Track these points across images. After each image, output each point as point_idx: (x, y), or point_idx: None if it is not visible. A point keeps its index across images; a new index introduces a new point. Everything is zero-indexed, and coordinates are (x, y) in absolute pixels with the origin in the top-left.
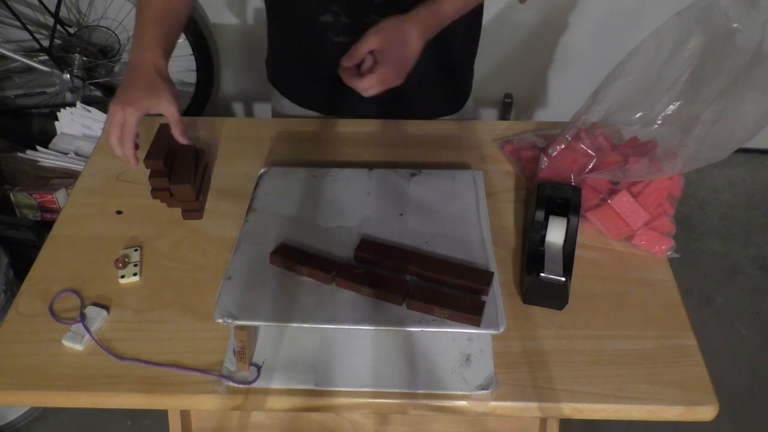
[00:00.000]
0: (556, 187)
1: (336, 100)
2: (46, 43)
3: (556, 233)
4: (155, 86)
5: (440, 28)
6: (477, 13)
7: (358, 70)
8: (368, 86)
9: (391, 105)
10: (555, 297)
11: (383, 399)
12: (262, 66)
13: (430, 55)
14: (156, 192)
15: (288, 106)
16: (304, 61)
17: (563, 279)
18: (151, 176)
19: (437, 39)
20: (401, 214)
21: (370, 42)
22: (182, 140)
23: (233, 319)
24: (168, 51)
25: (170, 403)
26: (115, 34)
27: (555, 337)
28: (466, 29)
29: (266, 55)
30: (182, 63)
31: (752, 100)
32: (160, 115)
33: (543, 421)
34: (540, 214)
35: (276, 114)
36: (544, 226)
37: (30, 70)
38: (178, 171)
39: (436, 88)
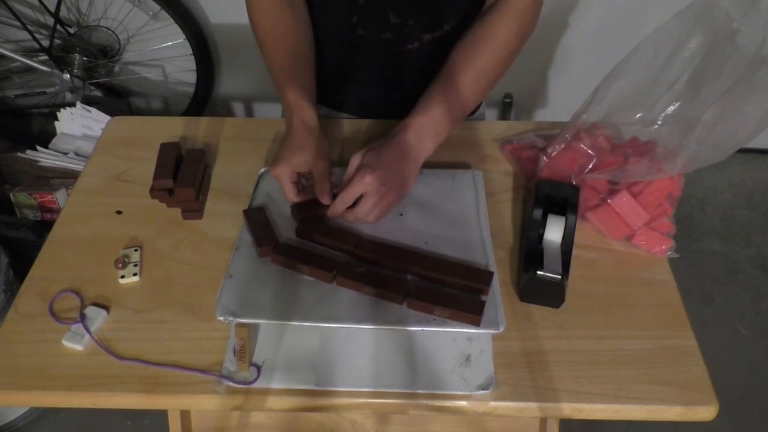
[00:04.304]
0: (554, 186)
1: (343, 95)
2: (46, 43)
3: (554, 231)
4: (303, 143)
5: (447, 128)
6: None
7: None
8: (364, 212)
9: (399, 106)
10: (552, 295)
11: (383, 399)
12: (263, 66)
13: (437, 63)
14: (155, 192)
15: None
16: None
17: (559, 277)
18: (155, 176)
19: (447, 47)
20: (401, 214)
21: (352, 163)
22: (325, 201)
23: (234, 317)
24: (311, 97)
25: (170, 403)
26: (115, 34)
27: (555, 337)
28: None
29: None
30: (182, 63)
31: (754, 101)
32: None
33: (543, 421)
34: (538, 213)
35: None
36: (542, 224)
37: (30, 70)
38: (183, 174)
39: None
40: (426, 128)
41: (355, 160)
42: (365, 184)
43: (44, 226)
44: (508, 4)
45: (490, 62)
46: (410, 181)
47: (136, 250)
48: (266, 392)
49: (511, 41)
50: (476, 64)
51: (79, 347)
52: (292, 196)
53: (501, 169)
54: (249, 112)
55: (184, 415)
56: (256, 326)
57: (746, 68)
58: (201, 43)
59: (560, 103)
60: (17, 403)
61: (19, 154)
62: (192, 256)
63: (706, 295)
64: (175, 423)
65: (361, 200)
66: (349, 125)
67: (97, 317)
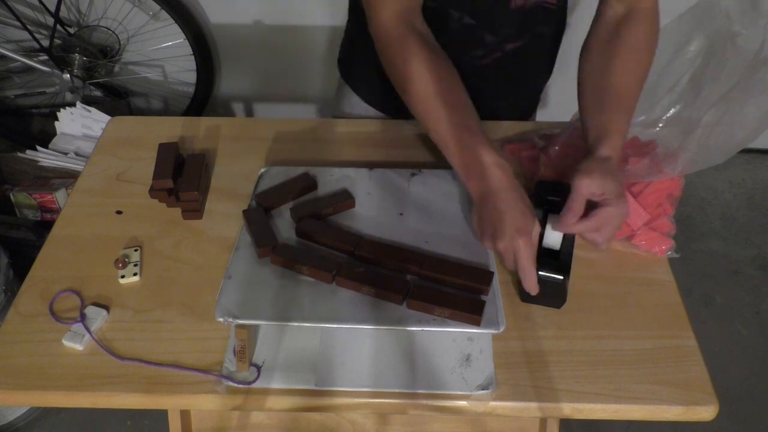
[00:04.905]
0: (554, 186)
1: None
2: (46, 43)
3: (554, 232)
4: (528, 210)
5: (627, 128)
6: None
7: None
8: (607, 238)
9: None
10: (553, 295)
11: (383, 399)
12: (262, 66)
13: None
14: (154, 192)
15: (358, 105)
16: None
17: (561, 277)
18: (155, 176)
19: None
20: (401, 214)
21: (581, 190)
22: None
23: (234, 318)
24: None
25: (170, 403)
26: (115, 34)
27: (555, 337)
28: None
29: (340, 52)
30: (182, 63)
31: (754, 103)
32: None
33: (543, 421)
34: (538, 213)
35: (342, 114)
36: (543, 224)
37: (30, 70)
38: (187, 178)
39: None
40: (622, 147)
41: (589, 186)
42: (623, 214)
43: (44, 226)
44: (638, 11)
45: (643, 70)
46: (623, 186)
47: (136, 250)
48: (266, 392)
49: (653, 45)
50: (634, 73)
51: (79, 347)
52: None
53: None
54: (249, 112)
55: (184, 415)
56: (256, 326)
57: (747, 70)
58: (201, 43)
59: (560, 103)
60: (17, 403)
61: (19, 154)
62: (192, 256)
63: (706, 295)
64: (175, 423)
65: (604, 226)
66: (348, 125)
67: (97, 317)
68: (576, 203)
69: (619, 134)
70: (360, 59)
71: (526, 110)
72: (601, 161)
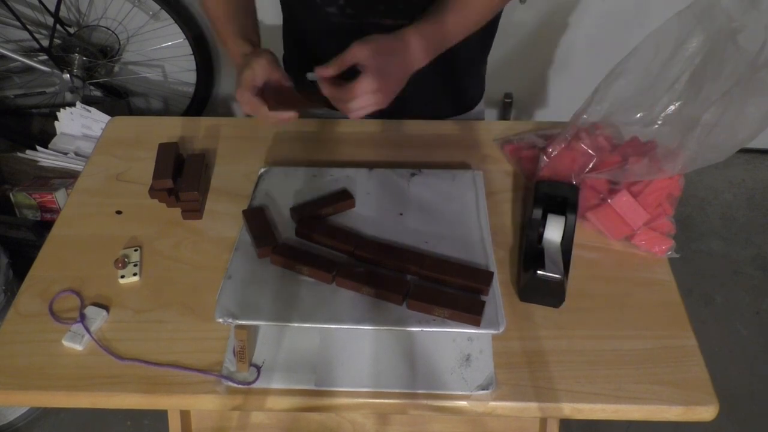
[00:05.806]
0: (553, 185)
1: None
2: (46, 43)
3: (553, 231)
4: (245, 63)
5: (444, 46)
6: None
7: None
8: (352, 96)
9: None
10: (552, 294)
11: (383, 399)
12: None
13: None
14: (154, 192)
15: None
16: (309, 54)
17: (560, 276)
18: (155, 176)
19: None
20: (401, 214)
21: (354, 52)
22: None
23: (233, 319)
24: (254, 43)
25: (170, 403)
26: (115, 34)
27: (555, 337)
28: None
29: (282, 53)
30: (182, 63)
31: (754, 102)
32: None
33: (543, 421)
34: (537, 212)
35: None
36: (542, 224)
37: (30, 70)
38: (187, 178)
39: (438, 89)
40: (430, 36)
41: (359, 54)
42: (375, 90)
43: (44, 226)
44: None
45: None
46: (401, 85)
47: (136, 250)
48: (266, 392)
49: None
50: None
51: (79, 347)
52: (262, 111)
53: (501, 169)
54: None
55: (184, 415)
56: (255, 327)
57: (747, 69)
58: (201, 43)
59: (560, 103)
60: (17, 403)
61: (19, 154)
62: (192, 256)
63: (706, 295)
64: (175, 423)
65: (354, 98)
66: (348, 125)
67: (97, 317)
68: (339, 60)
69: (432, 23)
70: (293, 56)
71: (457, 101)
72: (391, 37)
